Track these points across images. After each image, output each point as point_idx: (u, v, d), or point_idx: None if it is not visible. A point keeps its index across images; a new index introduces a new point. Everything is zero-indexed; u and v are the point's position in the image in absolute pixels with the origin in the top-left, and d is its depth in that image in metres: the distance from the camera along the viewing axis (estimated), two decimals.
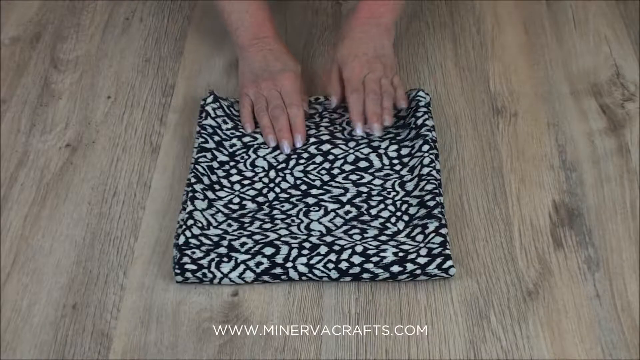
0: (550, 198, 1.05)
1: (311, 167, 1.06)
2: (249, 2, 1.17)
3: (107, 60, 1.26)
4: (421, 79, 1.21)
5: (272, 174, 1.06)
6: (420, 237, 0.97)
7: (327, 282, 0.96)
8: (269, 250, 0.96)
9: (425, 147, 1.05)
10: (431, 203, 1.00)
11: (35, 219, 1.04)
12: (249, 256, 0.95)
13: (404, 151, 1.07)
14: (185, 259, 0.95)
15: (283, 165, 1.07)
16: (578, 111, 1.15)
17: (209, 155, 1.06)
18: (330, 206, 1.02)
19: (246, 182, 1.05)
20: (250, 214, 1.01)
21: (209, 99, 1.12)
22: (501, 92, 1.18)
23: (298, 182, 1.05)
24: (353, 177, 1.05)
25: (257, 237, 0.98)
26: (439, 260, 0.94)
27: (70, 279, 0.98)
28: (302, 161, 1.07)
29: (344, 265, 0.95)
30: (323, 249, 0.96)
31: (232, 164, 1.07)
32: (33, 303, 0.95)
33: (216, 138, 1.09)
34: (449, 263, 0.94)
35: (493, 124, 1.14)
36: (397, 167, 1.06)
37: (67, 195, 1.07)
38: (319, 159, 1.07)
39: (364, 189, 1.04)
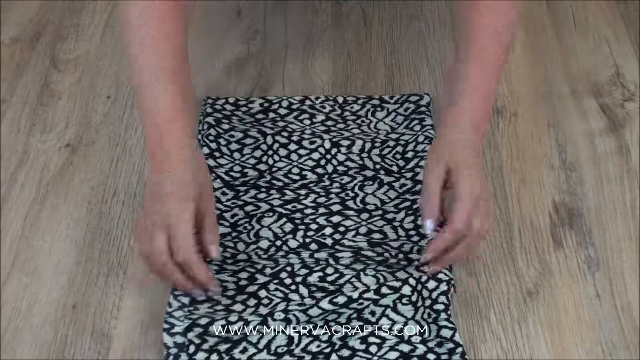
0: (550, 198, 1.05)
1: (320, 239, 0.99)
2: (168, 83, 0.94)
3: (107, 60, 1.26)
4: (421, 79, 1.21)
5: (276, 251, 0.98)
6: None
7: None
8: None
9: None
10: (440, 307, 0.93)
11: (35, 219, 1.04)
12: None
13: (420, 221, 0.98)
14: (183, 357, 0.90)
15: (289, 236, 0.99)
16: (578, 111, 1.15)
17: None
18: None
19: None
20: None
21: (208, 109, 1.12)
22: (501, 92, 1.18)
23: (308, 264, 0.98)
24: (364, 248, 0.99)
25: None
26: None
27: (70, 279, 0.98)
28: (310, 233, 0.99)
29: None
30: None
31: (234, 234, 0.99)
32: (33, 303, 0.95)
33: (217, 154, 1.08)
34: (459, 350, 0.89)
35: (493, 124, 1.14)
36: (415, 238, 0.98)
37: (67, 195, 1.07)
38: (328, 230, 0.99)
39: (379, 249, 0.97)
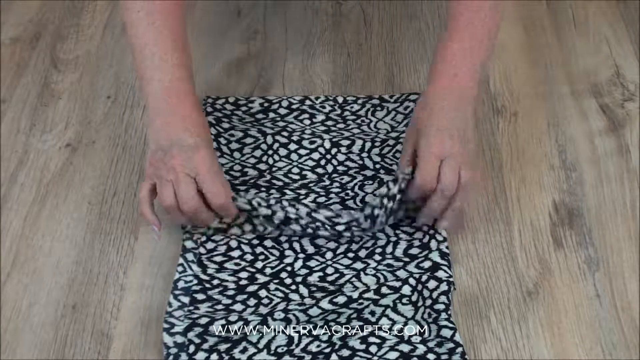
0: (550, 198, 1.05)
1: (320, 242, 1.00)
2: (172, 53, 0.97)
3: (107, 60, 1.26)
4: (421, 79, 1.20)
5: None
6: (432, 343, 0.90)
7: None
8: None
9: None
10: (441, 306, 0.92)
11: (35, 219, 1.04)
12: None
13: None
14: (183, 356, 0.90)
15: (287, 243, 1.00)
16: (578, 111, 1.15)
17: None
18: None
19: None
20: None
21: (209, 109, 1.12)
22: (501, 92, 1.18)
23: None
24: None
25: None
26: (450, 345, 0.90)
27: (70, 279, 0.98)
28: (309, 231, 0.98)
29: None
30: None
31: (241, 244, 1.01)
32: (33, 303, 0.95)
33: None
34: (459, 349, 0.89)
35: (493, 124, 1.14)
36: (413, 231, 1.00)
37: (67, 195, 1.07)
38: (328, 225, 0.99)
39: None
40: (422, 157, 0.94)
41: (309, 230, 0.98)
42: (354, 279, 0.95)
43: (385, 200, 0.96)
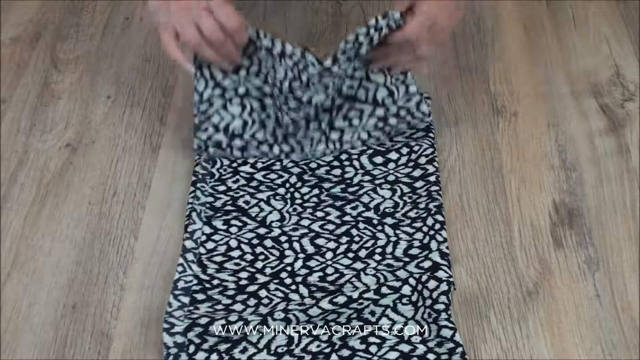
0: (550, 198, 1.05)
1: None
2: None
3: (107, 60, 1.26)
4: (421, 80, 1.20)
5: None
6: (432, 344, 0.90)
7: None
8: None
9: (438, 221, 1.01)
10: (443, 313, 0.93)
11: (35, 219, 1.04)
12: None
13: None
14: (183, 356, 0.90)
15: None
16: (578, 111, 1.15)
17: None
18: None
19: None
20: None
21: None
22: (501, 92, 1.18)
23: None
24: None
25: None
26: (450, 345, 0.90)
27: (70, 279, 0.98)
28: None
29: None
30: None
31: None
32: (33, 303, 0.95)
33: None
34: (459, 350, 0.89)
35: (493, 124, 1.14)
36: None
37: (67, 195, 1.07)
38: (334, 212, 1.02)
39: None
40: (421, 13, 0.99)
41: (300, 66, 1.00)
42: (354, 279, 0.95)
43: (372, 31, 1.00)
